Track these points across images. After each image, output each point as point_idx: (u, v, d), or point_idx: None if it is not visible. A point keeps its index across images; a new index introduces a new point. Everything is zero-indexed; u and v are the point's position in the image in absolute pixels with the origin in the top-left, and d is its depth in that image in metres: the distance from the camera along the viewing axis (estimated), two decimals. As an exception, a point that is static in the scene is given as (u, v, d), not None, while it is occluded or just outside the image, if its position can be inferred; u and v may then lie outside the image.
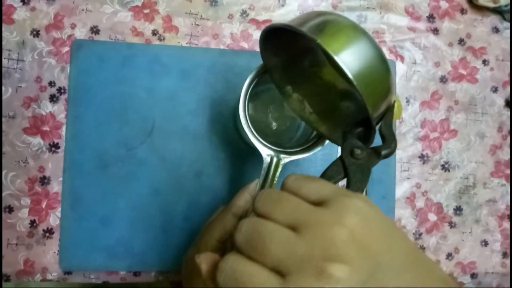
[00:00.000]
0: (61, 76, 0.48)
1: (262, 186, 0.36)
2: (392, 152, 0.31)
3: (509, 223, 0.53)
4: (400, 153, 0.52)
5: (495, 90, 0.54)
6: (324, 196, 0.24)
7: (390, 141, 0.31)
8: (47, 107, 0.48)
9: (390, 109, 0.32)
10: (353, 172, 0.31)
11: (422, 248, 0.52)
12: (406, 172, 0.52)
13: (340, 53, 0.28)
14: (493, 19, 0.55)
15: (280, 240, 0.22)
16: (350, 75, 0.28)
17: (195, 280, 0.34)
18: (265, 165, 0.37)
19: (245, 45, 0.51)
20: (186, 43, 0.50)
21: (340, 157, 0.32)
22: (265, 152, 0.37)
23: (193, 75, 0.49)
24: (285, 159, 0.37)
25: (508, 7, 0.53)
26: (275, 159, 0.37)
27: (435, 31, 0.54)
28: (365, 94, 0.29)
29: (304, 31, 0.29)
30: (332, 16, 0.30)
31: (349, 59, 0.28)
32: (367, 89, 0.29)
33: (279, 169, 0.37)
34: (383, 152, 0.31)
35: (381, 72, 0.30)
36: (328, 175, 0.32)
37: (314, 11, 0.32)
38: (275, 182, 0.36)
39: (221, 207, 0.38)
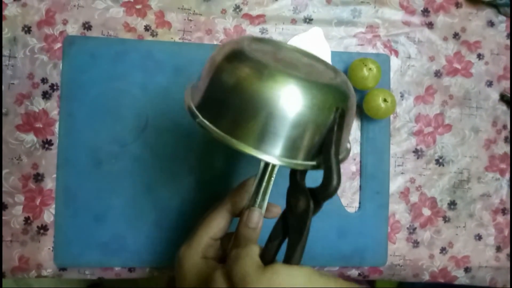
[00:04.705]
0: (53, 73, 0.48)
1: (258, 185, 0.35)
2: (332, 193, 0.25)
3: (502, 217, 0.53)
4: (394, 148, 0.52)
5: (490, 84, 0.54)
6: (235, 284, 0.26)
7: (328, 179, 0.25)
8: (39, 104, 0.47)
9: (334, 125, 0.27)
10: (292, 230, 0.27)
11: (416, 242, 0.52)
12: (400, 167, 0.52)
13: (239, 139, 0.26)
14: (488, 13, 0.55)
15: None
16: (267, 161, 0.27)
17: (184, 277, 0.34)
18: (261, 165, 0.36)
19: (238, 40, 0.50)
20: (179, 39, 0.50)
21: (284, 211, 0.29)
22: None
23: (186, 71, 0.49)
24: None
25: (503, 0, 0.53)
26: None
27: (430, 25, 0.53)
28: (285, 160, 0.26)
29: (194, 112, 0.29)
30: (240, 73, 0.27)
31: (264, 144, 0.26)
32: (292, 152, 0.26)
33: (276, 170, 0.36)
34: (321, 198, 0.26)
35: (303, 122, 0.26)
36: (271, 236, 0.28)
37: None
38: (271, 182, 0.36)
39: (215, 204, 0.38)
